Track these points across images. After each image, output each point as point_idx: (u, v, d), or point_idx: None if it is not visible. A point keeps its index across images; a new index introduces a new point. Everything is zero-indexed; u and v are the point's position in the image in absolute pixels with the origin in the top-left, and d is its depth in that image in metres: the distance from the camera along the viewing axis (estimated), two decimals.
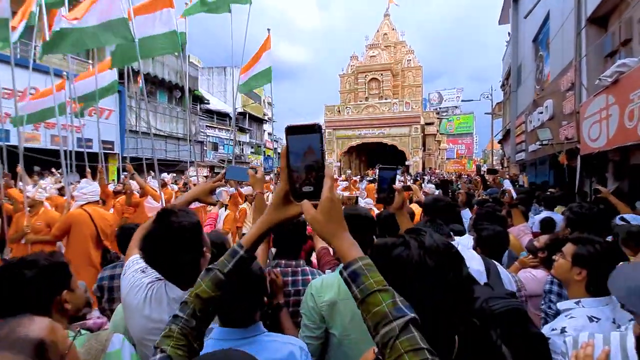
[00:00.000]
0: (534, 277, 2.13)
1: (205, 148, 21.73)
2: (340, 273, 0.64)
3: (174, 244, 1.07)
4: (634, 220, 2.42)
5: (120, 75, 15.26)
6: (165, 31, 4.54)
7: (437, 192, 6.36)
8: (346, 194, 6.16)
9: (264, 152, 33.76)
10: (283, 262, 1.66)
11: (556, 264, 1.48)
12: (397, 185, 1.36)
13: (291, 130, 0.66)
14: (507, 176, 5.62)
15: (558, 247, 2.09)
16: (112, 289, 1.80)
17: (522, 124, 10.91)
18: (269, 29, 6.15)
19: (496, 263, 1.44)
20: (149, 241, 1.09)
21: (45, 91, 6.83)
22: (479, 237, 2.01)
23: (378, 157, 28.08)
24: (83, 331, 1.03)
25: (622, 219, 2.48)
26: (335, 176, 18.75)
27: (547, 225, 3.24)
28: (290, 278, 1.63)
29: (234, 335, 1.01)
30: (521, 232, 2.68)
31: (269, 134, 40.11)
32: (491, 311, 1.09)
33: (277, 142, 42.39)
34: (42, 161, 10.18)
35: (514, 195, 2.95)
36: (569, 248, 1.45)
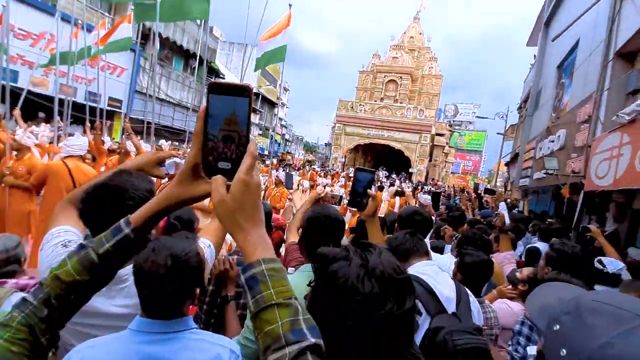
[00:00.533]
0: (509, 310, 2.05)
1: None
2: (238, 277, 0.54)
3: (122, 206, 0.91)
4: (610, 264, 2.35)
5: (143, 36, 15.15)
6: None
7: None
8: (337, 191, 6.09)
9: (272, 136, 33.64)
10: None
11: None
12: (372, 190, 1.26)
13: (215, 89, 0.52)
14: (506, 200, 5.48)
15: (537, 284, 2.02)
16: None
17: (532, 150, 10.74)
18: (290, 5, 5.97)
19: (469, 292, 1.35)
20: (91, 201, 0.98)
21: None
22: (461, 262, 1.90)
23: (384, 159, 27.94)
24: None
25: (600, 261, 2.40)
26: (339, 170, 18.73)
27: (531, 255, 3.15)
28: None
29: (153, 328, 0.89)
30: (505, 260, 2.58)
31: (280, 119, 39.96)
32: (454, 346, 1.02)
33: (286, 127, 42.24)
34: (47, 108, 10.14)
35: (507, 220, 2.85)
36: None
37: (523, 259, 3.44)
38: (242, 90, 0.52)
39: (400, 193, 3.86)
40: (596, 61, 6.10)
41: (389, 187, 10.30)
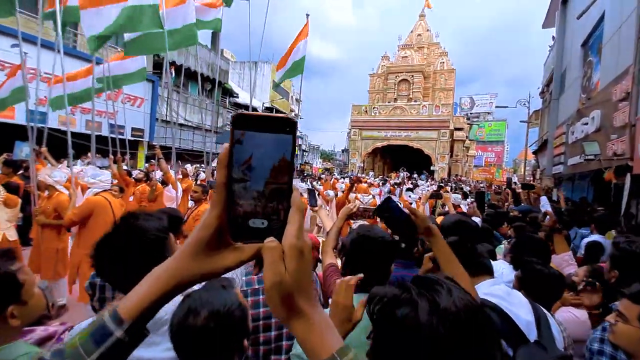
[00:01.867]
0: (576, 319, 1.80)
1: None
2: None
3: (131, 251, 0.88)
4: None
5: (157, 65, 15.75)
6: (187, 24, 4.52)
7: (463, 203, 5.97)
8: (367, 198, 5.88)
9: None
10: (255, 277, 1.44)
11: (616, 330, 1.15)
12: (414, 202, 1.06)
13: (242, 123, 0.37)
14: (543, 191, 5.00)
15: (601, 284, 1.75)
16: (103, 287, 1.67)
17: (562, 135, 10.16)
18: (307, 14, 5.88)
19: (545, 311, 1.16)
20: (102, 248, 0.92)
21: (78, 73, 7.03)
22: (526, 277, 1.61)
23: (403, 159, 27.45)
24: None
25: None
26: (359, 174, 18.44)
27: (592, 251, 2.85)
28: (262, 297, 1.39)
29: None
30: (564, 262, 2.26)
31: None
32: None
33: (302, 138, 42.48)
34: (76, 145, 10.61)
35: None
36: (630, 308, 1.11)
37: (578, 255, 3.15)
38: (282, 124, 0.37)
39: (436, 195, 3.57)
40: (628, 33, 5.69)
41: (414, 188, 9.99)
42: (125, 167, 9.41)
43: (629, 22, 5.77)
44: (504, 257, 2.42)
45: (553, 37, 14.87)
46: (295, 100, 40.37)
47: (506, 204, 7.35)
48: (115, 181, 5.83)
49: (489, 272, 1.31)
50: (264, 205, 0.38)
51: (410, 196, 5.96)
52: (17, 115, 10.73)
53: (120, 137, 8.90)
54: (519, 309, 1.09)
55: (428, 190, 4.97)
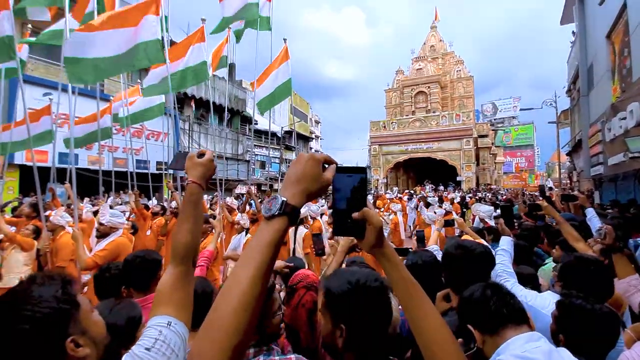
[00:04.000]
0: None
1: (253, 167, 22.41)
2: None
3: None
4: None
5: (178, 100, 16.49)
6: (198, 62, 4.64)
7: (493, 214, 5.52)
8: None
9: None
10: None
11: None
12: (368, 201, 0.71)
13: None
14: (586, 199, 4.24)
15: None
16: None
17: (598, 133, 9.44)
18: (285, 39, 5.95)
19: None
20: None
21: (93, 115, 7.39)
22: (563, 316, 1.28)
23: (427, 172, 26.71)
24: None
25: None
26: (383, 192, 17.99)
27: None
28: None
29: None
30: (631, 288, 1.81)
31: (316, 151, 40.58)
32: None
33: None
34: (105, 182, 11.09)
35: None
36: None
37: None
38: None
39: (449, 223, 3.18)
40: None
41: (438, 204, 9.45)
42: (147, 201, 9.64)
43: None
44: (552, 286, 1.98)
45: (573, 32, 14.26)
46: (314, 122, 40.90)
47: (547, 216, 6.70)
48: (133, 216, 5.90)
49: (523, 320, 1.03)
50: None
51: (435, 212, 5.57)
52: (50, 159, 11.41)
53: (145, 171, 9.20)
54: None
55: (441, 215, 4.56)
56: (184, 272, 0.95)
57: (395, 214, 9.02)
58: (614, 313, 1.28)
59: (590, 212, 3.01)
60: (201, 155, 1.04)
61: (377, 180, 26.47)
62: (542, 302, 1.69)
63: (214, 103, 17.79)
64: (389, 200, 11.84)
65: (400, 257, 0.81)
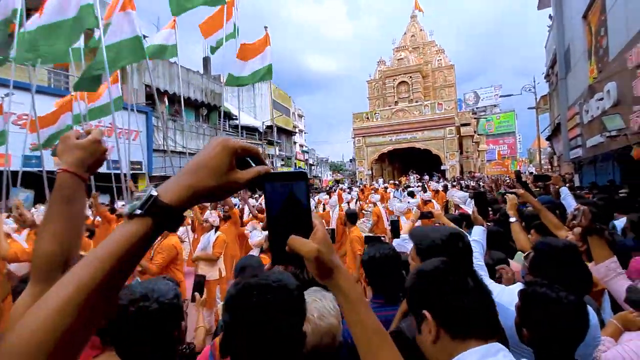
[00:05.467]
0: None
1: None
2: None
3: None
4: None
5: (149, 96, 15.80)
6: (129, 37, 4.25)
7: (470, 202, 5.32)
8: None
9: (295, 163, 33.61)
10: None
11: None
12: (313, 214, 0.56)
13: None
14: (559, 177, 4.15)
15: None
16: None
17: (576, 115, 9.41)
18: (266, 27, 5.71)
19: None
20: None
21: (54, 113, 6.86)
22: (526, 308, 1.14)
23: (412, 162, 26.73)
24: None
25: None
26: (367, 184, 17.77)
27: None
28: None
29: None
30: (611, 272, 1.62)
31: (301, 145, 40.17)
32: None
33: (308, 152, 42.26)
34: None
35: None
36: None
37: None
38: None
39: (426, 216, 2.97)
40: None
41: (421, 193, 9.26)
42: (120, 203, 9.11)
43: None
44: (523, 278, 1.79)
45: (550, 16, 14.25)
46: (297, 116, 40.40)
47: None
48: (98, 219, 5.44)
49: (491, 330, 0.76)
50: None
51: (409, 202, 5.33)
52: (13, 162, 10.69)
53: (117, 171, 8.67)
54: None
55: (415, 205, 4.37)
56: None
57: (375, 204, 8.82)
58: (582, 302, 1.11)
59: (565, 192, 2.93)
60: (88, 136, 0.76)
61: (363, 172, 26.34)
62: (510, 297, 1.47)
63: (188, 98, 17.15)
64: (373, 192, 11.60)
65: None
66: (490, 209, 2.48)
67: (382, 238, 2.44)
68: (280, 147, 30.04)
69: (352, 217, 4.96)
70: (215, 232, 4.72)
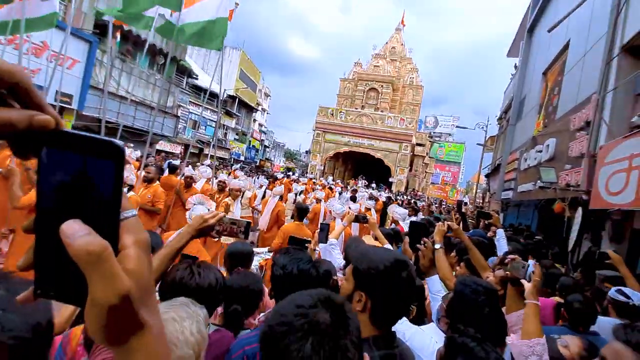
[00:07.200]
0: None
1: (184, 124, 20.23)
2: None
3: None
4: (634, 296, 2.10)
5: (99, 26, 13.84)
6: None
7: (409, 219, 5.34)
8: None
9: (250, 141, 32.39)
10: None
11: None
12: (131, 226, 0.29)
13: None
14: (498, 218, 4.43)
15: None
16: None
17: (515, 161, 10.14)
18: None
19: None
20: None
21: None
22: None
23: (364, 168, 27.28)
24: None
25: (620, 292, 2.16)
26: (316, 178, 17.64)
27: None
28: None
29: None
30: (521, 321, 1.53)
31: (260, 124, 38.85)
32: None
33: (266, 133, 41.04)
34: None
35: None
36: None
37: None
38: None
39: (360, 219, 2.82)
40: (593, 61, 5.45)
41: (367, 199, 9.29)
42: None
43: (595, 49, 5.54)
44: (438, 321, 1.64)
45: (515, 65, 15.26)
46: (264, 94, 38.98)
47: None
48: None
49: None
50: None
51: (350, 207, 5.19)
52: None
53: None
54: None
55: (356, 211, 4.24)
56: None
57: (319, 201, 8.64)
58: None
59: (500, 234, 2.97)
60: None
61: (315, 166, 26.24)
62: (422, 341, 1.39)
63: (145, 40, 15.39)
64: (319, 188, 11.44)
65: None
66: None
67: (308, 244, 2.18)
68: (238, 120, 28.66)
69: (300, 212, 4.40)
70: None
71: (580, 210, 4.92)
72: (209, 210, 2.86)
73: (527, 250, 3.47)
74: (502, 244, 2.85)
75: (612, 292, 2.22)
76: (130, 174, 4.57)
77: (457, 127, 40.51)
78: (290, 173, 19.49)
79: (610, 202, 3.59)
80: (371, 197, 10.57)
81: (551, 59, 8.50)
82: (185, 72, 19.82)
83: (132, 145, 11.88)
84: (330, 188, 12.79)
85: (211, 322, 1.44)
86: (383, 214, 9.79)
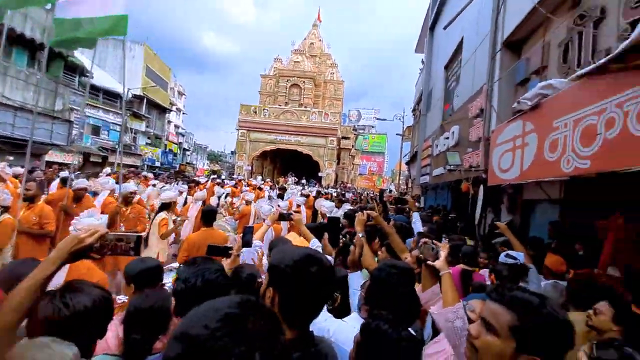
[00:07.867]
0: None
1: (80, 130, 17.55)
2: None
3: None
4: (519, 256, 2.45)
5: None
6: None
7: (336, 211, 5.38)
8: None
9: (165, 145, 29.78)
10: None
11: None
12: None
13: None
14: (414, 202, 4.89)
15: None
16: None
17: (429, 148, 11.09)
18: None
19: None
20: None
21: None
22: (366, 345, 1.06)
23: (293, 164, 27.24)
24: None
25: (508, 255, 2.47)
26: (241, 178, 16.95)
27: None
28: None
29: None
30: (435, 296, 1.66)
31: (176, 126, 36.01)
32: None
33: (184, 135, 38.21)
34: None
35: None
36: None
37: None
38: None
39: (284, 217, 2.70)
40: (483, 56, 6.13)
41: (298, 198, 9.17)
42: None
43: (483, 46, 6.24)
44: (359, 310, 1.60)
45: (422, 60, 16.68)
46: (177, 93, 36.16)
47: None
48: None
49: None
50: None
51: (279, 205, 5.02)
52: None
53: None
54: None
55: (284, 209, 4.13)
56: None
57: (249, 203, 8.28)
58: (420, 343, 1.16)
59: (415, 217, 3.21)
60: None
61: (242, 167, 25.34)
62: (345, 334, 1.35)
63: (21, 35, 12.87)
64: (247, 188, 10.96)
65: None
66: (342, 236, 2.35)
67: (230, 251, 1.98)
68: (148, 122, 26.07)
69: (207, 216, 3.87)
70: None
71: (482, 187, 5.50)
72: (98, 221, 2.40)
73: (439, 229, 3.75)
74: (417, 226, 3.12)
75: (502, 257, 2.51)
76: (2, 193, 3.71)
77: (377, 119, 43.09)
78: (215, 176, 18.43)
79: (502, 178, 4.06)
80: (303, 194, 10.52)
81: (450, 54, 9.40)
82: (76, 70, 17.17)
83: (11, 158, 9.87)
84: (260, 188, 12.41)
85: (109, 354, 1.27)
86: (315, 210, 9.82)
